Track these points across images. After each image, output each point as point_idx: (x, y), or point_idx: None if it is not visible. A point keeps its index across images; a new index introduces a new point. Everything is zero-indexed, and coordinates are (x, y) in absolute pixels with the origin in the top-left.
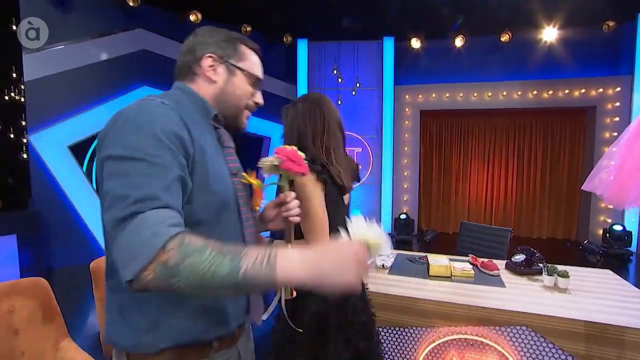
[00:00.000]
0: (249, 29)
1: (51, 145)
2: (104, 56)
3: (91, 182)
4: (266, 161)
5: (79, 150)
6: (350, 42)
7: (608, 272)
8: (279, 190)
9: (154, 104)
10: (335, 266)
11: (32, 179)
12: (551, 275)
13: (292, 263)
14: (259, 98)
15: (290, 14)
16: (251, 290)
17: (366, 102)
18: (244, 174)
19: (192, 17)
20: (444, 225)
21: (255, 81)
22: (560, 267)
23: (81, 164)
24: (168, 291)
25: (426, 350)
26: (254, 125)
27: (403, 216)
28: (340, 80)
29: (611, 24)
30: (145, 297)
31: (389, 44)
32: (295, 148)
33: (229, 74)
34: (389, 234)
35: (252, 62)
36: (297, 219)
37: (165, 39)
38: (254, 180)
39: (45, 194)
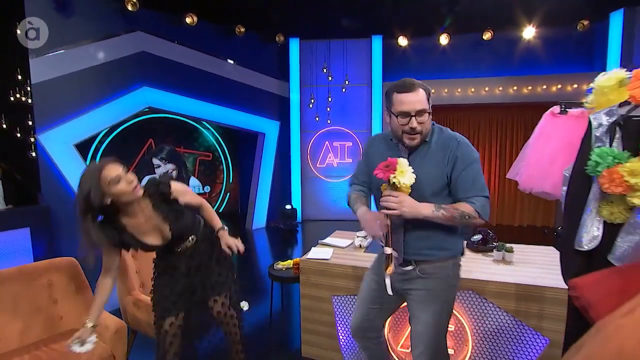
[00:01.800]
0: (242, 29)
1: (59, 144)
2: (105, 58)
3: None
4: None
5: (83, 147)
6: (339, 41)
7: (551, 249)
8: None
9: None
10: None
11: (42, 176)
12: (500, 251)
13: None
14: (411, 124)
15: (283, 14)
16: None
17: (356, 99)
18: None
19: (188, 20)
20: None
21: (401, 114)
22: (508, 245)
23: (85, 160)
24: None
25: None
26: (249, 122)
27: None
28: (330, 78)
29: (585, 23)
30: None
31: (377, 42)
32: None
33: (390, 117)
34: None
35: (399, 102)
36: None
37: (163, 41)
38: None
39: (54, 190)
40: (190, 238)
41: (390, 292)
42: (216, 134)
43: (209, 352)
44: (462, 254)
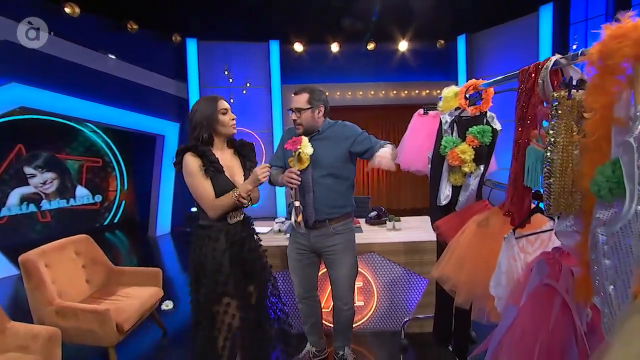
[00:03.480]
0: (135, 26)
1: None
2: None
3: None
4: None
5: None
6: (239, 44)
7: (426, 218)
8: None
9: None
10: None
11: None
12: (391, 221)
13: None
14: (292, 117)
15: (178, 14)
16: None
17: (256, 100)
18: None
19: (67, 10)
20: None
21: (290, 110)
22: (396, 217)
23: None
24: None
25: None
26: (145, 123)
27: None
28: (230, 80)
29: (442, 42)
30: None
31: (274, 47)
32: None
33: None
34: (285, 218)
35: (290, 101)
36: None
37: (35, 31)
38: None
39: None
40: (243, 208)
41: (303, 228)
42: (106, 137)
43: None
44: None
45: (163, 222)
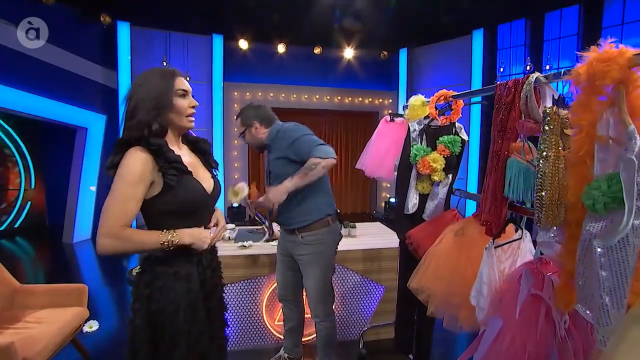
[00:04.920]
0: None
1: None
2: None
3: None
4: None
5: None
6: (180, 34)
7: (378, 224)
8: None
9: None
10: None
11: None
12: (346, 228)
13: None
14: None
15: None
16: None
17: (196, 96)
18: None
19: None
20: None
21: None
22: (351, 223)
23: None
24: None
25: (269, 292)
26: (63, 113)
27: (235, 205)
28: None
29: (385, 53)
30: None
31: (218, 41)
32: None
33: None
34: (235, 224)
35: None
36: None
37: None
38: None
39: None
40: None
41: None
42: (6, 125)
43: None
44: (332, 215)
45: (83, 226)
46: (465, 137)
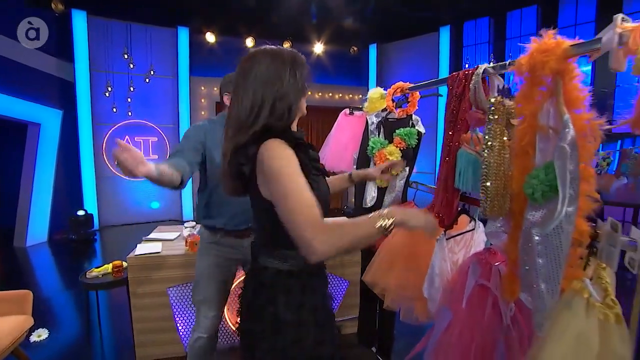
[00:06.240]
0: None
1: None
2: None
3: None
4: None
5: None
6: (142, 25)
7: (344, 219)
8: None
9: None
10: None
11: None
12: None
13: None
14: None
15: None
16: None
17: (161, 91)
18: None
19: None
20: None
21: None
22: None
23: None
24: None
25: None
26: (13, 108)
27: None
28: (131, 65)
29: (355, 48)
30: None
31: (183, 34)
32: None
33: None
34: (195, 221)
35: None
36: None
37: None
38: None
39: None
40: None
41: None
42: None
43: None
44: None
45: (37, 228)
46: (422, 129)
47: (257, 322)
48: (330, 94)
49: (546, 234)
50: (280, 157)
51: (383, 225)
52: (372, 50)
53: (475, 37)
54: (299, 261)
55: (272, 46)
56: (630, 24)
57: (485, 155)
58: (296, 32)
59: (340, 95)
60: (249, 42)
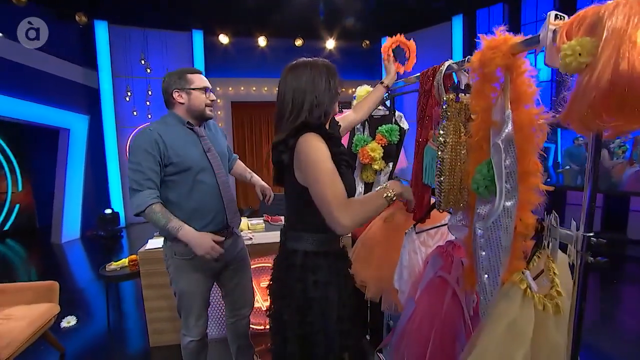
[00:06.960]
0: None
1: None
2: None
3: None
4: None
5: None
6: (158, 31)
7: None
8: None
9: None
10: None
11: None
12: None
13: None
14: (211, 97)
15: None
16: None
17: None
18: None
19: None
20: (257, 201)
21: (203, 89)
22: None
23: None
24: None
25: None
26: (45, 115)
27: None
28: (148, 70)
29: (367, 42)
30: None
31: (198, 37)
32: None
33: (189, 95)
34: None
35: (199, 80)
36: None
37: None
38: None
39: None
40: None
41: None
42: None
43: None
44: None
45: (71, 226)
46: (405, 125)
47: (288, 299)
48: (344, 89)
49: (487, 227)
50: (315, 148)
51: (389, 196)
52: (384, 42)
53: (489, 25)
54: (324, 243)
55: (309, 58)
56: (562, 21)
57: (439, 152)
58: (307, 29)
59: (353, 90)
60: (262, 41)
